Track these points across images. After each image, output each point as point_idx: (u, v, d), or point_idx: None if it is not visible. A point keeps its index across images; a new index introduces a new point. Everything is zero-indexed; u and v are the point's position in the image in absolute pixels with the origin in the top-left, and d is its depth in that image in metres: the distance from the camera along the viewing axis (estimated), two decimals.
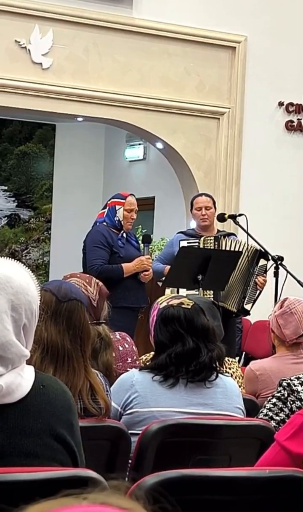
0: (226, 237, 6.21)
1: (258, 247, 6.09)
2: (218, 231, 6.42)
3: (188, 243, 6.11)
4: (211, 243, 6.08)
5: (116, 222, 5.97)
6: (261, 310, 6.10)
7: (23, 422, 1.81)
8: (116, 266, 5.84)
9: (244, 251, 6.01)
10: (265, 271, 6.17)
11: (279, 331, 3.76)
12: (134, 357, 3.57)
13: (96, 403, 2.57)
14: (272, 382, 3.56)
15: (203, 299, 3.82)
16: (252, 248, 6.07)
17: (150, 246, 6.51)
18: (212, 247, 6.04)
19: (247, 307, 6.15)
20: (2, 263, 1.89)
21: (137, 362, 3.57)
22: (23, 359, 1.85)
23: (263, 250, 6.09)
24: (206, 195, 6.52)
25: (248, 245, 6.07)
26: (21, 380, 1.82)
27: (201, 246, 6.05)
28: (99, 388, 2.59)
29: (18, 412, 1.81)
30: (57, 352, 2.54)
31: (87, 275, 3.45)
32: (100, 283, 3.32)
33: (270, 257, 6.08)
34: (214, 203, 6.43)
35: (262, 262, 6.13)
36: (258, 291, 6.18)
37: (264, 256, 6.12)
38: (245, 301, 6.10)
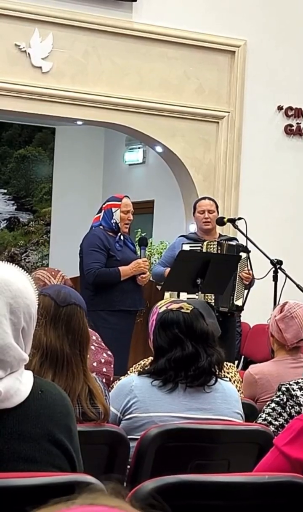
0: (228, 242, 6.21)
1: (233, 242, 6.13)
2: (220, 235, 6.41)
3: (190, 247, 6.10)
4: (214, 247, 6.07)
5: (113, 224, 5.97)
6: (260, 314, 6.09)
7: (21, 427, 1.81)
8: (113, 269, 5.84)
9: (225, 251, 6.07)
10: (250, 265, 6.13)
11: (280, 335, 3.75)
12: (96, 336, 3.69)
13: (95, 408, 2.57)
14: (271, 386, 3.55)
15: (197, 300, 3.84)
16: (225, 245, 6.09)
17: (147, 249, 6.51)
18: (215, 252, 6.03)
19: (238, 302, 6.12)
20: (0, 267, 1.89)
21: (101, 341, 3.65)
22: (22, 363, 1.85)
23: (240, 244, 6.12)
24: (209, 198, 6.51)
25: (227, 243, 6.12)
26: (19, 385, 1.82)
27: (204, 250, 6.04)
28: (98, 392, 2.59)
29: (16, 417, 1.81)
30: (56, 357, 2.54)
31: (54, 269, 3.62)
32: (66, 277, 3.61)
33: (249, 250, 6.08)
34: (217, 207, 6.42)
35: (243, 255, 6.11)
36: (247, 286, 6.15)
37: (244, 250, 6.11)
38: (234, 297, 6.08)
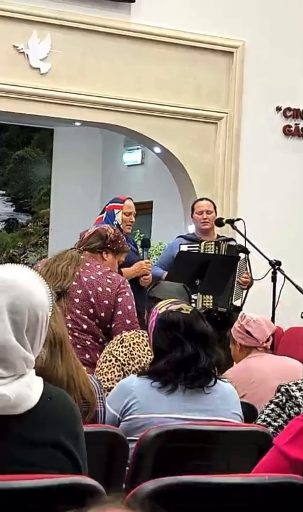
0: (226, 242, 6.21)
1: (233, 243, 6.13)
2: (218, 236, 6.42)
3: (188, 247, 6.11)
4: (211, 248, 6.08)
5: (115, 226, 5.97)
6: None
7: (29, 433, 1.80)
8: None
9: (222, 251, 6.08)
10: (249, 266, 6.15)
11: (249, 339, 3.99)
12: None
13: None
14: (248, 379, 3.78)
15: (175, 283, 3.93)
16: (224, 245, 6.10)
17: (149, 250, 6.51)
18: (213, 252, 6.04)
19: (236, 303, 6.14)
20: (8, 267, 1.89)
21: None
22: (30, 365, 1.84)
23: (239, 245, 6.14)
24: (207, 199, 6.54)
25: (226, 244, 6.13)
26: (30, 392, 1.82)
27: (202, 251, 6.04)
28: (85, 376, 2.57)
29: (25, 424, 1.80)
30: (61, 343, 2.53)
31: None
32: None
33: (249, 251, 6.10)
34: (215, 207, 6.44)
35: (241, 256, 6.12)
36: (246, 288, 6.18)
37: (243, 250, 6.11)
38: (233, 297, 6.09)
